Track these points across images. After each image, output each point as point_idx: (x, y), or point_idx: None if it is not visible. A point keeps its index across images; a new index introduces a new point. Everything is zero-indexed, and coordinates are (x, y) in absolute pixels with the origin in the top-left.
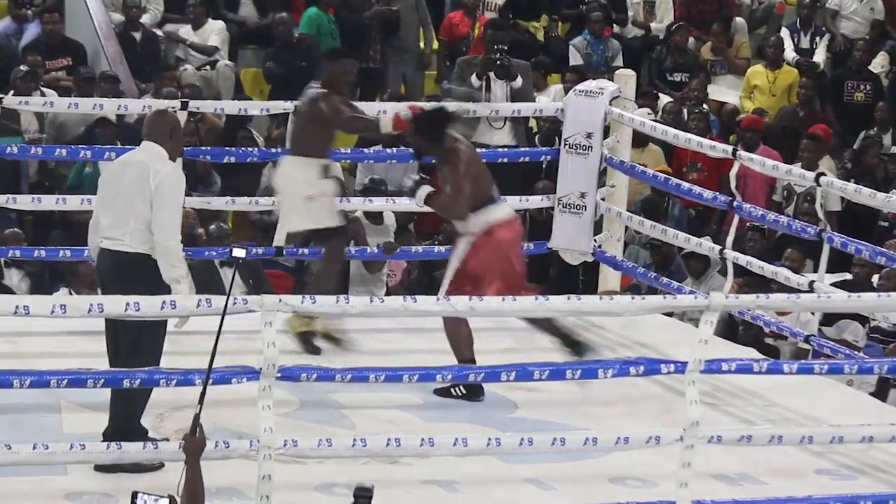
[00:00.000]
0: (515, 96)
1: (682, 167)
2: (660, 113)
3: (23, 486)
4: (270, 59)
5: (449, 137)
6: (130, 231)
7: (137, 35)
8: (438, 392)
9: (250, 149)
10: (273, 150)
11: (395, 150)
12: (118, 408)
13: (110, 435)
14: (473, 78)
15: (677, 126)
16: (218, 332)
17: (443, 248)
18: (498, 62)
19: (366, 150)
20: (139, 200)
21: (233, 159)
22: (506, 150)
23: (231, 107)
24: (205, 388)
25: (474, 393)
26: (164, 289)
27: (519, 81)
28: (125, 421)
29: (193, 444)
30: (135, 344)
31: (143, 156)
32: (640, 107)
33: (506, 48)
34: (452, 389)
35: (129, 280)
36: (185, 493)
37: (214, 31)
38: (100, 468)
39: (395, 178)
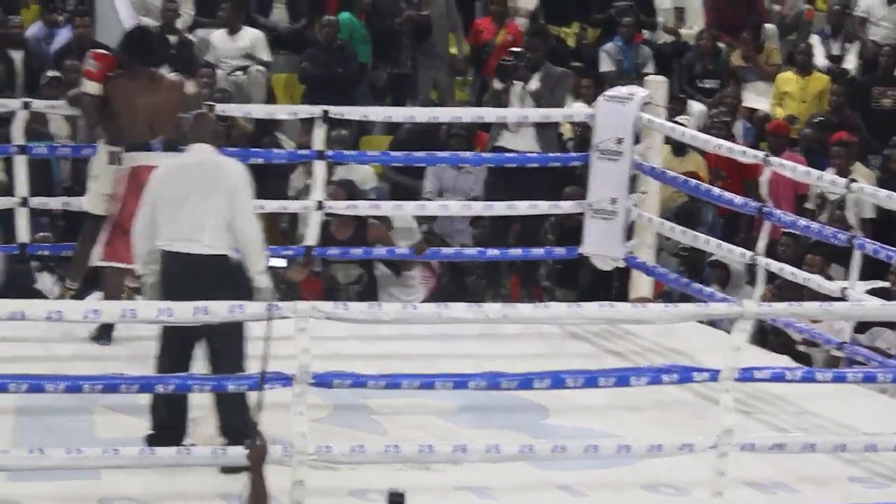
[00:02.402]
0: (534, 99)
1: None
2: (693, 118)
3: (55, 490)
4: (308, 59)
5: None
6: (209, 232)
7: (173, 39)
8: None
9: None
10: (301, 153)
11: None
12: (232, 407)
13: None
14: (495, 81)
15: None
16: (266, 338)
17: (474, 251)
18: (500, 63)
19: (439, 153)
20: (217, 200)
21: (259, 160)
22: (536, 155)
23: (258, 111)
24: (261, 396)
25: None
26: (243, 289)
27: (534, 84)
28: (237, 420)
29: (256, 452)
30: (238, 348)
31: (207, 157)
32: (670, 112)
33: (518, 51)
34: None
35: (212, 282)
36: (251, 501)
37: (252, 39)
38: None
39: (463, 187)
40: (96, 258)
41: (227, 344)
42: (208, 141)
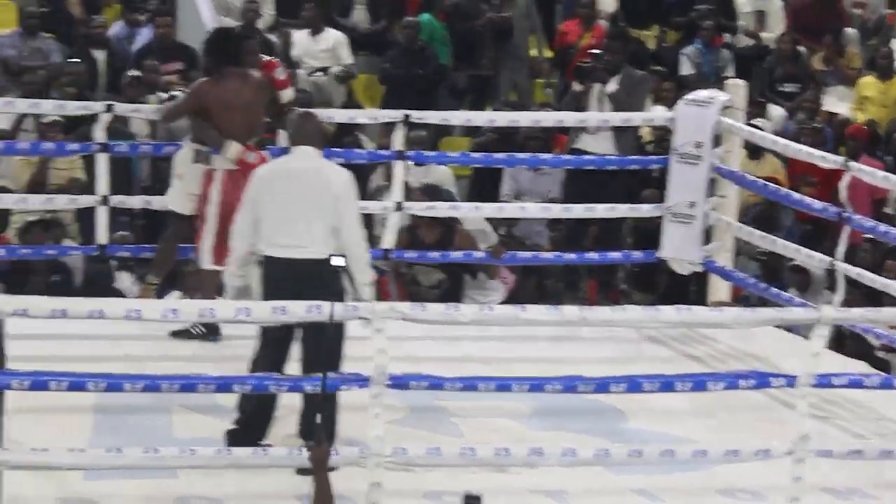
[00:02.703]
0: (612, 101)
1: (797, 180)
2: (772, 122)
3: (132, 489)
4: (389, 61)
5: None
6: (315, 238)
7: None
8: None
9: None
10: (381, 153)
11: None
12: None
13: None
14: (574, 83)
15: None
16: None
17: (551, 255)
18: (578, 65)
19: (518, 155)
20: (323, 206)
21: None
22: (614, 157)
23: (340, 115)
24: (325, 397)
25: (212, 332)
26: (343, 294)
27: (612, 87)
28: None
29: (319, 452)
30: (335, 348)
31: (312, 162)
32: (749, 116)
33: (597, 53)
34: (192, 329)
35: (320, 286)
36: (316, 502)
37: (335, 41)
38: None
39: (541, 189)
40: (206, 263)
41: (321, 345)
42: (313, 143)
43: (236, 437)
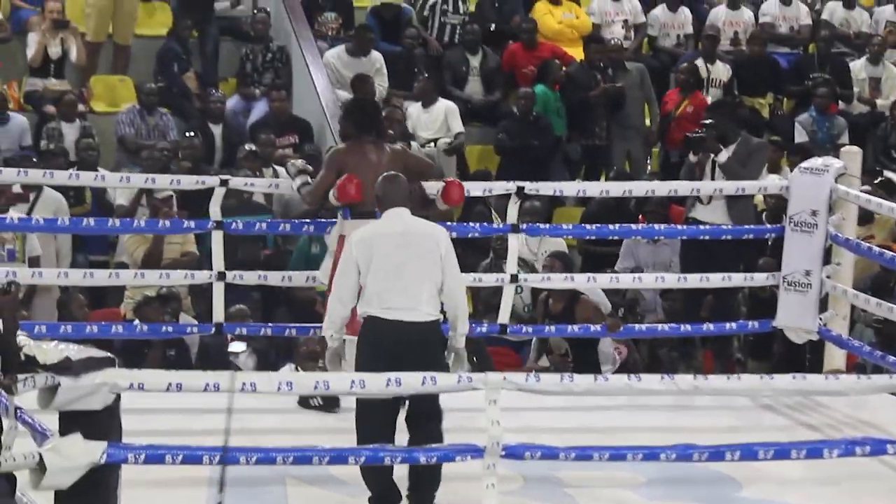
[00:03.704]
0: (723, 171)
1: None
2: None
3: None
4: (504, 131)
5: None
6: (426, 299)
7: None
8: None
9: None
10: (495, 227)
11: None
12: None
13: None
14: (690, 154)
15: None
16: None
17: (666, 327)
18: (687, 136)
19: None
20: (431, 266)
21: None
22: (729, 227)
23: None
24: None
25: (331, 404)
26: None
27: (723, 157)
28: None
29: None
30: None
31: (412, 223)
32: (865, 183)
33: (708, 122)
34: (311, 401)
35: (428, 349)
36: None
37: (446, 111)
38: None
39: (662, 260)
40: None
41: (427, 412)
42: (404, 204)
43: None
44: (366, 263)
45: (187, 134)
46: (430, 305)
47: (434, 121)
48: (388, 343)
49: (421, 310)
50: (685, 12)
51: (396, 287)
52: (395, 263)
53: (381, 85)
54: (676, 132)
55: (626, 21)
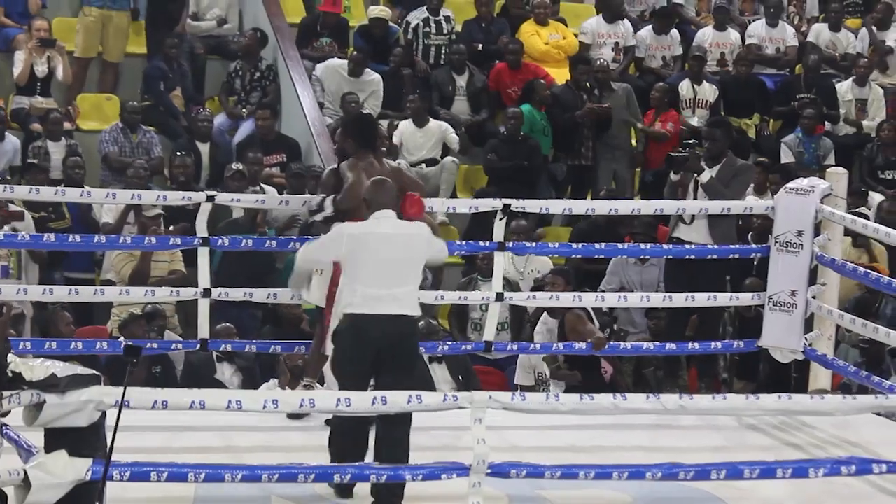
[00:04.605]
0: (705, 191)
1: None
2: (873, 210)
3: None
4: (493, 151)
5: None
6: (408, 297)
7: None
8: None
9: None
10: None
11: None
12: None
13: None
14: (671, 173)
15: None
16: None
17: (651, 346)
18: (670, 155)
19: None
20: (416, 269)
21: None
22: (715, 247)
23: (439, 204)
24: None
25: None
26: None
27: (706, 177)
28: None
29: None
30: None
31: (400, 225)
32: (851, 204)
33: (691, 141)
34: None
35: (409, 343)
36: None
37: (441, 131)
38: None
39: (650, 279)
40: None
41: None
42: (390, 206)
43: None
44: (349, 257)
45: (178, 154)
46: (411, 302)
47: (428, 140)
48: (370, 335)
49: (403, 305)
50: (673, 34)
51: (380, 283)
52: (381, 261)
53: (375, 106)
54: (651, 151)
55: (617, 44)
